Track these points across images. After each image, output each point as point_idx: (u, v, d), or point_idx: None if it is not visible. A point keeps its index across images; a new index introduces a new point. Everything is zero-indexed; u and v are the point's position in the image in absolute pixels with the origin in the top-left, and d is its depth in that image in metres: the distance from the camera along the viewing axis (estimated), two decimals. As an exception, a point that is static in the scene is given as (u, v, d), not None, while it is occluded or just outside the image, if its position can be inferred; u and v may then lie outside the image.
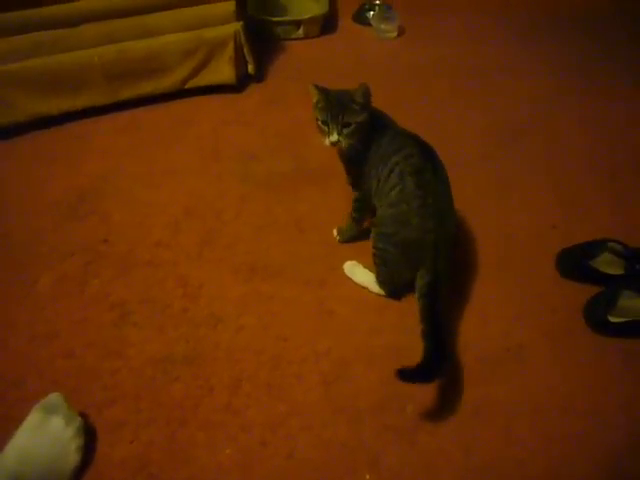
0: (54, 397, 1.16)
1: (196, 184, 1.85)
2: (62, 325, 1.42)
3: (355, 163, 1.46)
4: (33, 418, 1.12)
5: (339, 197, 1.64)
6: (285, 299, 1.49)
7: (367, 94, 1.39)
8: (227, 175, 1.89)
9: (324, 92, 1.42)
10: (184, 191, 1.82)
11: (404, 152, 1.37)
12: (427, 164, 1.36)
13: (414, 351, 1.28)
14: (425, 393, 1.27)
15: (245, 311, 1.46)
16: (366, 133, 1.41)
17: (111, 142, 2.04)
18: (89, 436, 1.17)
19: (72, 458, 1.11)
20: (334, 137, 1.39)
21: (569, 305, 1.46)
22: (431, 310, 1.29)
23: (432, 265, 1.35)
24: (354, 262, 1.53)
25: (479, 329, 1.41)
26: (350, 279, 1.52)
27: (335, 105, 1.39)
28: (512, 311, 1.46)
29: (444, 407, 1.25)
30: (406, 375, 1.15)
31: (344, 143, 1.40)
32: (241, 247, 1.63)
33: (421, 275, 1.35)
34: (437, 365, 1.20)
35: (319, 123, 1.42)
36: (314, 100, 1.43)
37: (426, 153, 1.39)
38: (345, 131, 1.39)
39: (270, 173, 1.89)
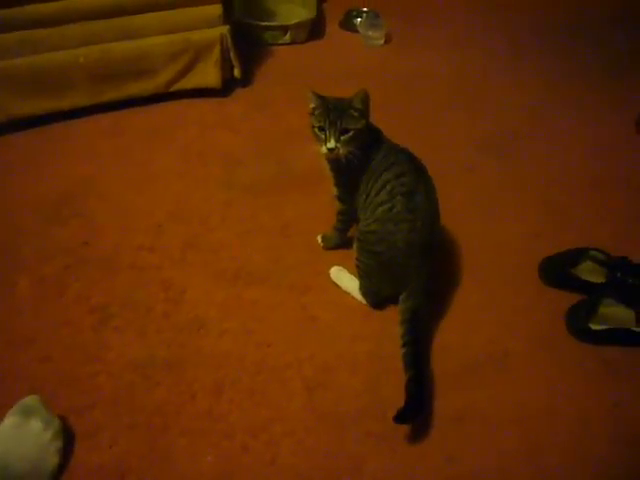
0: (31, 400, 1.15)
1: (181, 188, 1.84)
2: (41, 329, 1.40)
3: (349, 174, 1.40)
4: (10, 421, 1.10)
5: (325, 203, 1.63)
6: (269, 304, 1.48)
7: (366, 100, 1.36)
8: (212, 180, 1.87)
9: (321, 98, 1.38)
10: (168, 195, 1.81)
11: (396, 170, 1.36)
12: (419, 184, 1.35)
13: (397, 358, 1.28)
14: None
15: (228, 316, 1.45)
16: (364, 142, 1.37)
17: (95, 144, 2.02)
18: (67, 439, 1.16)
19: (51, 460, 1.10)
20: (332, 144, 1.33)
21: (552, 312, 1.46)
22: (412, 336, 1.30)
23: (415, 290, 1.36)
24: (340, 268, 1.52)
25: (463, 336, 1.42)
26: (335, 285, 1.51)
27: (333, 111, 1.34)
28: (496, 318, 1.47)
29: (427, 414, 1.24)
30: (400, 418, 1.17)
31: (342, 150, 1.34)
32: (225, 252, 1.62)
33: (403, 299, 1.37)
34: (422, 395, 1.22)
35: (315, 130, 1.37)
36: (311, 106, 1.39)
37: (418, 172, 1.38)
38: (343, 138, 1.34)
39: (255, 178, 1.88)
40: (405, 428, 1.21)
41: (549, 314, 1.47)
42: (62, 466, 1.12)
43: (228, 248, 1.63)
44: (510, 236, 1.70)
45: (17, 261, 1.56)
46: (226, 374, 1.32)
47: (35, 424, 1.10)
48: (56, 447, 1.11)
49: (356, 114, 1.35)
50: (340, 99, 1.38)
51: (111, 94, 2.11)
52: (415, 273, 1.36)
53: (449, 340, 1.40)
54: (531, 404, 1.29)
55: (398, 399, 1.20)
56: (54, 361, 1.33)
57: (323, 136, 1.35)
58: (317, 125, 1.36)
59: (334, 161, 1.40)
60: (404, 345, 1.29)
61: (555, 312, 1.46)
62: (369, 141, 1.39)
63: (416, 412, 1.21)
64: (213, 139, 2.07)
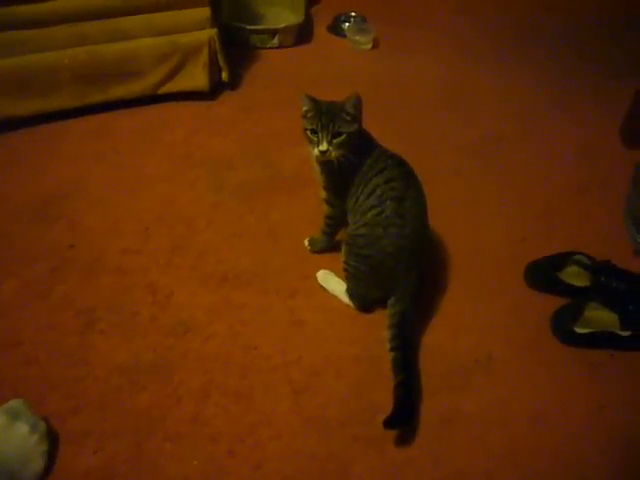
0: (16, 403, 1.14)
1: (167, 191, 1.83)
2: (25, 332, 1.39)
3: (340, 177, 1.41)
4: None
5: (312, 206, 1.63)
6: (256, 308, 1.48)
7: (358, 105, 1.37)
8: (199, 182, 1.87)
9: (314, 101, 1.39)
10: (155, 198, 1.80)
11: (386, 175, 1.37)
12: (409, 190, 1.36)
13: (384, 361, 1.29)
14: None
15: (215, 320, 1.44)
16: (356, 146, 1.38)
17: (81, 146, 2.01)
18: (53, 442, 1.15)
19: (37, 464, 1.10)
20: (324, 146, 1.34)
21: (537, 316, 1.47)
22: (401, 340, 1.30)
23: (403, 295, 1.37)
24: (327, 271, 1.52)
25: (449, 340, 1.42)
26: (322, 288, 1.51)
27: (325, 114, 1.35)
28: (482, 322, 1.47)
29: (415, 417, 1.25)
30: (390, 424, 1.18)
31: (334, 153, 1.35)
32: (212, 255, 1.61)
33: (392, 303, 1.37)
34: (410, 400, 1.23)
35: (308, 133, 1.38)
36: (304, 109, 1.40)
37: (408, 177, 1.39)
38: (335, 141, 1.35)
39: (243, 181, 1.88)
40: (393, 432, 1.21)
41: (534, 318, 1.48)
42: (47, 470, 1.11)
43: (215, 251, 1.62)
44: (496, 240, 1.71)
45: (2, 263, 1.55)
46: (212, 378, 1.31)
47: (21, 427, 1.10)
48: (42, 450, 1.11)
49: (348, 118, 1.36)
50: (333, 102, 1.39)
51: (98, 96, 2.10)
52: (403, 278, 1.37)
53: (435, 343, 1.41)
54: (517, 407, 1.29)
55: (385, 402, 1.20)
56: (39, 365, 1.32)
57: (315, 139, 1.36)
58: (309, 128, 1.37)
59: (325, 164, 1.41)
60: (392, 349, 1.29)
61: (540, 316, 1.47)
62: (361, 145, 1.40)
63: (405, 418, 1.21)
64: (201, 142, 2.06)
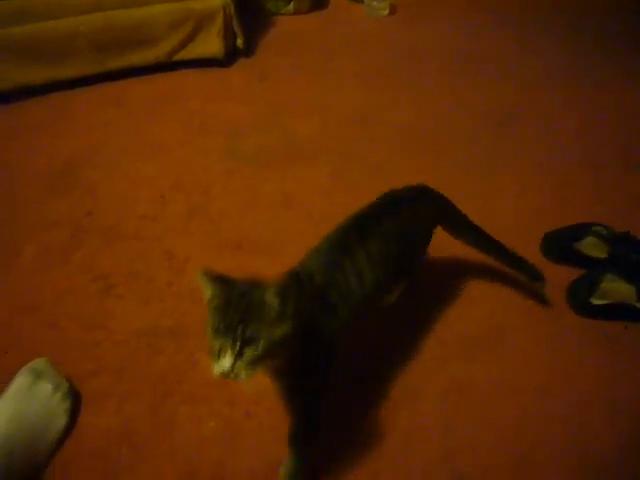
0: (40, 362, 1.17)
1: (183, 158, 1.83)
2: (45, 296, 1.41)
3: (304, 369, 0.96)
4: (21, 382, 1.12)
5: (326, 174, 1.63)
6: (271, 274, 1.48)
7: (287, 293, 0.84)
8: (214, 150, 1.87)
9: (222, 282, 0.85)
10: (171, 165, 1.80)
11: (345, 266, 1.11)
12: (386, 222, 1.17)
13: (399, 327, 1.29)
14: (407, 370, 1.28)
15: (230, 286, 1.45)
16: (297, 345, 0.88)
17: (97, 114, 2.01)
18: (75, 401, 1.18)
19: (60, 421, 1.13)
20: (225, 362, 0.80)
21: (553, 287, 1.46)
22: (488, 241, 1.38)
23: (455, 223, 1.38)
24: None
25: (462, 309, 1.42)
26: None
27: (235, 306, 0.82)
28: (496, 292, 1.47)
29: (425, 385, 1.26)
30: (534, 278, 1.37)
31: (243, 375, 0.80)
32: (227, 222, 1.62)
33: (460, 234, 1.38)
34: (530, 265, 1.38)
35: (209, 334, 0.83)
36: (207, 295, 0.86)
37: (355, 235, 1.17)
38: (247, 352, 0.80)
39: (257, 149, 1.88)
40: (404, 399, 1.23)
41: (550, 288, 1.46)
42: (70, 427, 1.14)
43: (230, 218, 1.63)
44: (512, 209, 1.69)
45: (21, 230, 1.57)
46: (228, 343, 1.32)
47: (45, 386, 1.13)
48: (64, 408, 1.14)
49: (273, 314, 0.83)
50: (252, 287, 0.85)
51: (113, 63, 2.09)
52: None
53: (449, 312, 1.40)
54: (528, 377, 1.29)
55: (396, 371, 1.20)
56: (59, 328, 1.34)
57: (217, 346, 0.81)
58: (211, 327, 0.83)
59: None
60: (489, 253, 1.38)
61: (556, 286, 1.46)
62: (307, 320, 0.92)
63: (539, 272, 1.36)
64: (215, 109, 2.05)
